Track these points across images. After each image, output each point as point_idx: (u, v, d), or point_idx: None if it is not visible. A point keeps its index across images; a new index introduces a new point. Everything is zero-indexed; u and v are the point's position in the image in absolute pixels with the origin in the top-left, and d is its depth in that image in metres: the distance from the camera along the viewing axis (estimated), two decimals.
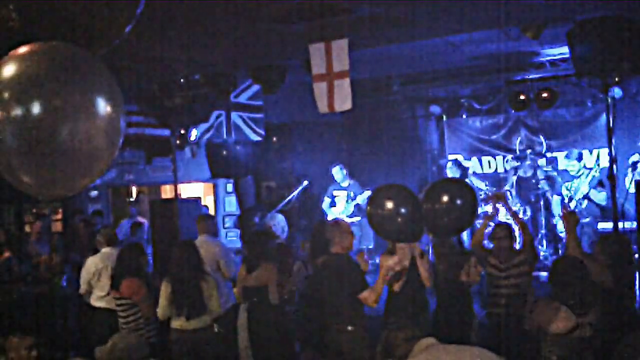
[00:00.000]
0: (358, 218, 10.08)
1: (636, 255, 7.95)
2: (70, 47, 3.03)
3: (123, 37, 3.27)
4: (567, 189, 9.41)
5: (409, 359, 3.01)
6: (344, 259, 5.36)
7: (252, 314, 6.09)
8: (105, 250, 7.07)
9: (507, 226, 6.04)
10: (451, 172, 10.31)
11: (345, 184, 10.39)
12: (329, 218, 10.19)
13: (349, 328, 5.18)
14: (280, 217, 8.14)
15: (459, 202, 4.79)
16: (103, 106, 2.98)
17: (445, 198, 4.78)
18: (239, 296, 6.35)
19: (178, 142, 9.42)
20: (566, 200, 9.36)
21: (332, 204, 10.41)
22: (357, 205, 10.17)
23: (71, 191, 3.14)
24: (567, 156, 9.68)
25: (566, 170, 9.79)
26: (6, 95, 2.91)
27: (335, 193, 10.44)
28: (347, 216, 10.16)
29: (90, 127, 2.93)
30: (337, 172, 10.40)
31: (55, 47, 3.02)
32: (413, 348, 3.03)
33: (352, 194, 10.25)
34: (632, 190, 8.47)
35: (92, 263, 7.01)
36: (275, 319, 6.03)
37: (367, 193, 9.96)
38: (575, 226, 5.39)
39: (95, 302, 6.97)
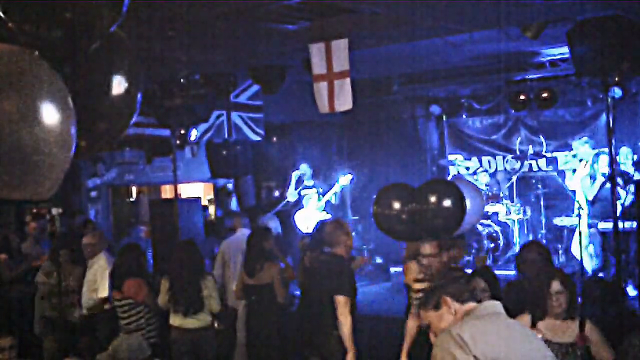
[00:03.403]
0: (329, 215, 9.78)
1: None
2: (20, 50, 3.02)
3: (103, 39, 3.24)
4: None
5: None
6: (343, 261, 5.26)
7: (252, 313, 6.08)
8: None
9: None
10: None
11: (310, 182, 10.22)
12: (298, 216, 10.06)
13: (335, 332, 5.04)
14: (273, 218, 8.12)
15: (446, 203, 4.76)
16: (53, 112, 2.97)
17: (433, 199, 4.76)
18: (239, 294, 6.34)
19: (178, 142, 9.40)
20: None
21: (301, 206, 10.17)
22: (328, 202, 10.00)
23: (38, 195, 3.12)
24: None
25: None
26: None
27: (303, 192, 10.20)
28: (320, 212, 9.93)
29: (40, 133, 2.92)
30: (306, 169, 10.21)
31: (3, 51, 3.00)
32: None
33: (321, 190, 10.10)
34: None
35: None
36: (276, 318, 6.03)
37: (337, 187, 9.89)
38: None
39: None
